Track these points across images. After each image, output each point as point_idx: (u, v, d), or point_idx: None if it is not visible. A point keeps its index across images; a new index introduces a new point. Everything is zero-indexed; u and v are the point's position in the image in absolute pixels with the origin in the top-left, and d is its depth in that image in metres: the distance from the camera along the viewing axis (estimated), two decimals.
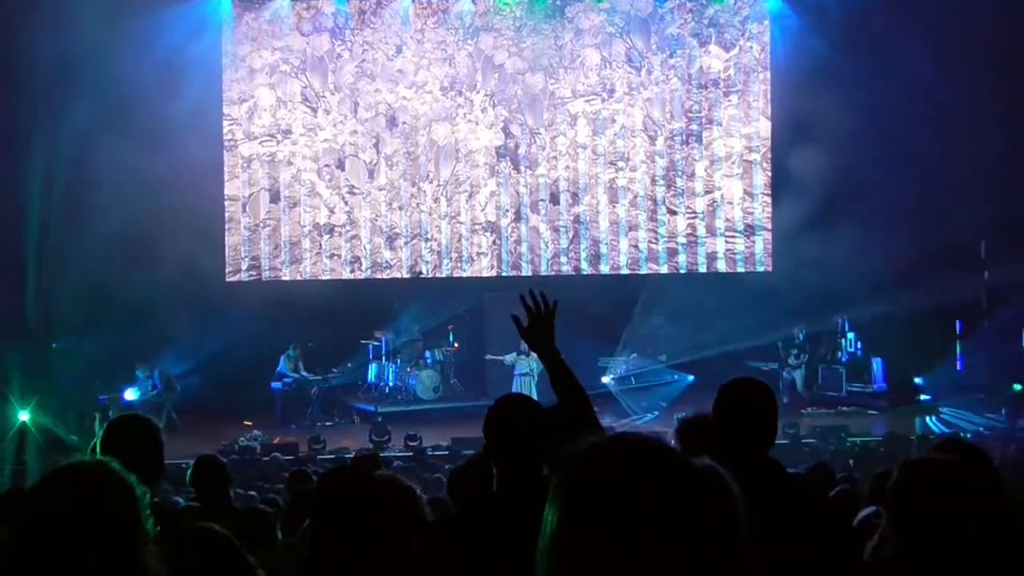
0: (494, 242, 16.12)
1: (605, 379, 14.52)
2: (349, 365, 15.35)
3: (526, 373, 13.97)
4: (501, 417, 2.53)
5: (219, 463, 4.40)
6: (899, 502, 2.09)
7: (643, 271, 16.06)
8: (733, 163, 16.04)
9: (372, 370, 15.54)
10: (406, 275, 15.88)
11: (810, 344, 14.47)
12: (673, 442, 3.21)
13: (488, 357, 14.58)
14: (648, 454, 1.12)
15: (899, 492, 2.12)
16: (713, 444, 2.73)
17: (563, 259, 16.09)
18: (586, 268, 16.07)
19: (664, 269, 16.11)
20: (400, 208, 15.90)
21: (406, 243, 15.92)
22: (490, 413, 2.55)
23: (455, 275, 15.93)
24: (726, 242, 16.15)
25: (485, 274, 15.97)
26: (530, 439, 2.36)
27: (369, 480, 2.04)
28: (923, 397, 13.86)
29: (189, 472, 4.38)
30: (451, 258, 16.02)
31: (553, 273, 15.98)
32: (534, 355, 13.56)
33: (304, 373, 14.55)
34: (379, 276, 15.83)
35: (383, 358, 15.35)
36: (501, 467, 2.47)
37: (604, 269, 16.10)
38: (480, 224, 16.05)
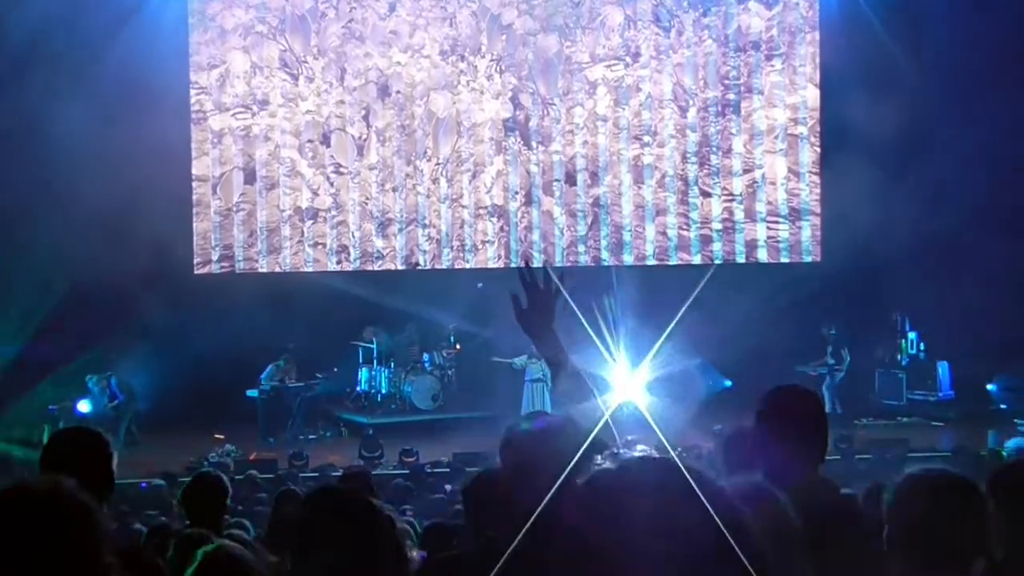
0: (501, 229, 16.28)
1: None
2: (336, 370, 15.45)
3: (538, 379, 14.03)
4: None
5: (219, 483, 4.40)
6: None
7: (672, 261, 16.23)
8: (776, 137, 16.18)
9: (362, 376, 15.65)
10: (400, 266, 16.00)
11: (842, 343, 14.48)
12: (714, 457, 3.37)
13: (495, 359, 14.60)
14: (676, 478, 1.19)
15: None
16: (757, 461, 2.76)
17: (580, 248, 16.29)
18: (607, 258, 16.23)
19: (697, 259, 16.24)
20: (394, 190, 16.02)
21: (400, 230, 16.09)
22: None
23: (457, 266, 16.05)
24: (768, 228, 16.27)
25: (491, 265, 16.09)
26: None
27: (368, 506, 2.11)
28: (997, 406, 13.85)
29: (182, 492, 4.43)
30: (452, 247, 16.19)
31: (569, 264, 16.12)
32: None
33: (288, 383, 14.64)
34: (369, 267, 15.93)
35: (375, 362, 15.44)
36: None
37: (628, 259, 16.28)
38: (485, 208, 16.23)
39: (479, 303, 15.40)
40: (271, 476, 10.91)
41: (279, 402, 14.54)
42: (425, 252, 16.20)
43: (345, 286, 14.96)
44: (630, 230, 16.34)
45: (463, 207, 16.22)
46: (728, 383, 15.17)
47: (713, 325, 15.29)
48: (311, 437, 14.38)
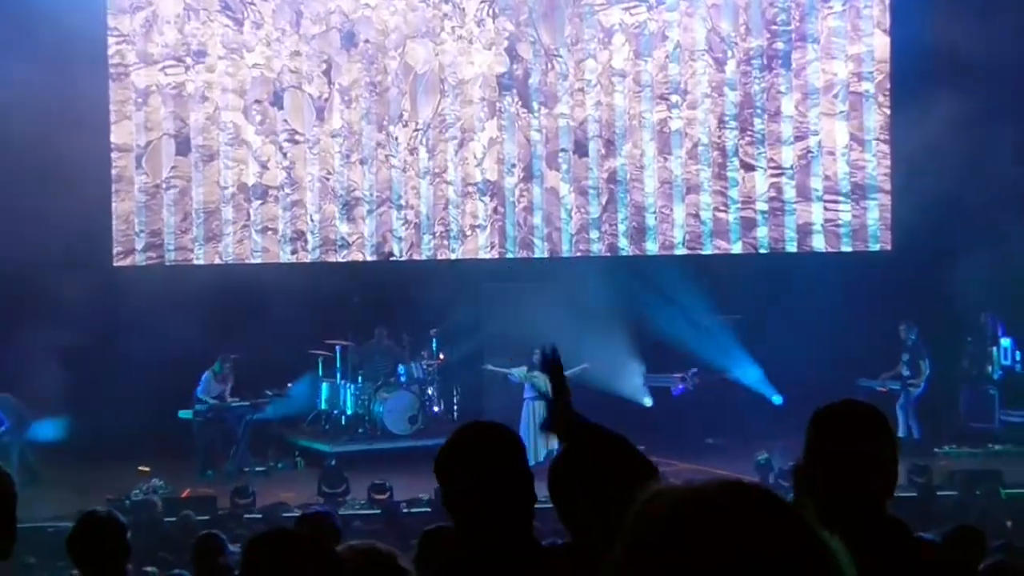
0: (495, 210, 16.39)
1: (647, 402, 15.39)
2: (290, 386, 15.55)
3: (540, 397, 13.87)
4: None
5: (116, 523, 4.37)
6: None
7: (707, 251, 16.38)
8: (836, 96, 16.25)
9: (323, 393, 15.78)
10: (370, 257, 16.14)
11: (921, 351, 14.56)
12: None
13: (488, 368, 14.72)
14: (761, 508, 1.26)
15: None
16: (813, 495, 2.84)
17: (593, 234, 16.41)
18: (625, 247, 16.43)
19: (737, 248, 16.43)
20: (361, 163, 16.13)
21: (370, 212, 16.20)
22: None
23: (440, 257, 16.21)
24: (826, 209, 16.38)
25: (483, 255, 16.26)
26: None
27: (329, 559, 2.12)
28: None
29: (66, 538, 4.34)
30: (434, 233, 16.31)
31: (579, 254, 16.36)
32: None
33: (230, 398, 14.66)
34: (332, 258, 16.08)
35: (338, 375, 15.53)
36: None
37: (651, 248, 16.46)
38: (475, 185, 16.33)
39: (468, 302, 15.65)
40: (209, 517, 10.93)
41: (220, 425, 14.58)
42: (401, 239, 16.27)
43: (302, 281, 15.12)
44: (654, 212, 16.43)
45: (447, 184, 16.31)
46: (777, 399, 15.31)
47: (759, 329, 15.58)
48: (259, 469, 14.40)
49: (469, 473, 2.81)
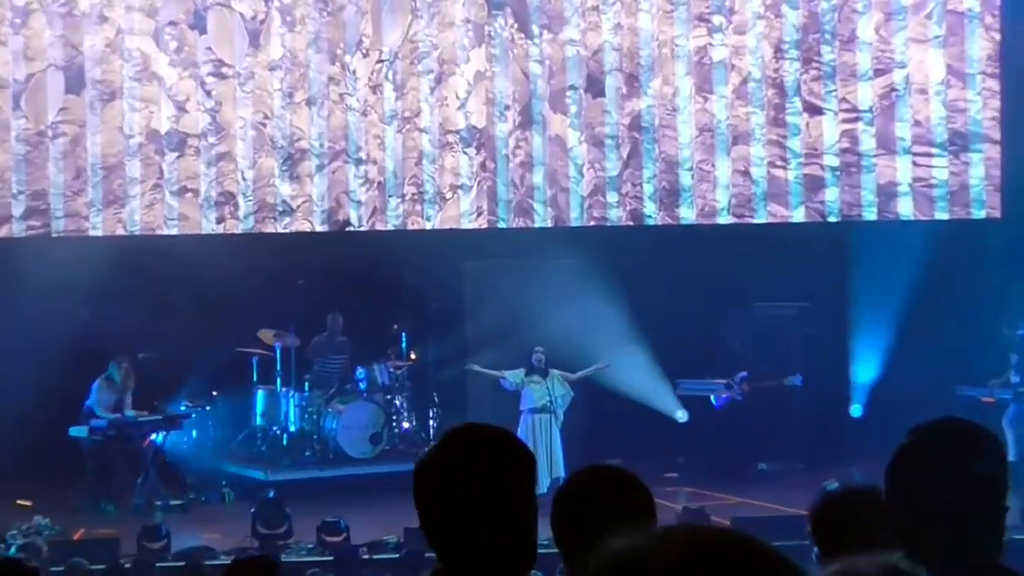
0: (483, 166, 16.39)
1: (680, 416, 15.67)
2: (214, 394, 15.75)
3: (542, 408, 14.37)
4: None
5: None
6: None
7: (759, 219, 16.43)
8: (929, 17, 16.24)
9: (258, 404, 16.04)
10: (320, 227, 16.21)
11: None
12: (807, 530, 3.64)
13: (474, 370, 14.91)
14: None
15: None
16: (885, 540, 2.90)
17: (611, 197, 16.39)
18: (653, 214, 16.45)
19: (799, 215, 16.48)
20: (309, 104, 16.13)
21: (320, 169, 16.21)
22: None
23: (411, 226, 16.26)
24: (915, 165, 16.35)
25: (467, 225, 16.30)
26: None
27: None
28: None
29: None
30: (403, 197, 16.33)
31: (592, 223, 16.44)
32: (556, 376, 13.87)
33: (129, 412, 14.71)
34: (270, 229, 16.19)
35: (279, 382, 15.78)
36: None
37: (687, 216, 16.51)
38: (457, 133, 16.34)
39: (447, 285, 16.06)
40: (108, 566, 10.95)
41: (122, 445, 14.61)
42: (360, 204, 16.27)
43: (230, 259, 15.19)
44: (690, 169, 16.43)
45: (421, 131, 16.28)
46: (855, 411, 15.51)
47: (827, 320, 15.90)
48: (175, 503, 14.39)
49: (474, 497, 2.84)
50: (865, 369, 15.76)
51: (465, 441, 2.96)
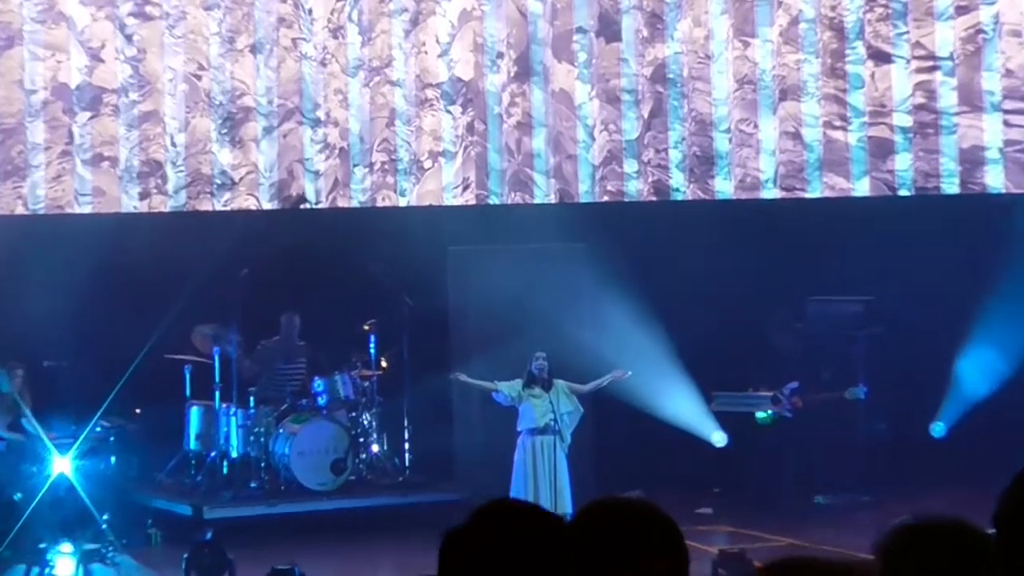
0: (471, 128, 16.42)
1: (716, 438, 15.82)
2: (138, 412, 15.79)
3: (545, 427, 14.35)
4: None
5: None
6: None
7: (813, 192, 16.47)
8: None
9: (192, 423, 16.05)
10: (269, 204, 16.27)
11: None
12: None
13: (460, 380, 14.95)
14: None
15: None
16: None
17: (629, 165, 16.44)
18: (681, 187, 16.52)
19: (863, 187, 16.45)
20: (253, 51, 16.15)
21: (268, 131, 16.21)
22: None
23: (381, 203, 16.34)
24: (1007, 126, 16.33)
25: (451, 200, 16.37)
26: None
27: None
28: None
29: None
30: (372, 166, 16.39)
31: (607, 199, 16.51)
32: (562, 388, 14.22)
33: (32, 425, 14.67)
34: (206, 207, 16.23)
35: (218, 396, 15.79)
36: None
37: (723, 189, 16.59)
38: (438, 87, 16.38)
39: (427, 275, 16.00)
40: None
41: (16, 475, 14.59)
42: (318, 176, 16.28)
43: (158, 243, 15.34)
44: (727, 130, 16.44)
45: (393, 85, 16.31)
46: (938, 430, 15.38)
47: (899, 318, 15.88)
48: (88, 548, 14.14)
49: None
50: (949, 378, 15.80)
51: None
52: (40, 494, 14.50)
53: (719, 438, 15.80)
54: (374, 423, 16.12)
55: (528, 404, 14.25)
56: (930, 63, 16.43)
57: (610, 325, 15.54)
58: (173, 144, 16.04)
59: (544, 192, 16.43)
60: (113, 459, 15.39)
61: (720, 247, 15.82)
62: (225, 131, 16.12)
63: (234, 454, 15.71)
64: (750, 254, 15.86)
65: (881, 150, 16.44)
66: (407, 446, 16.29)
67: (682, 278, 15.67)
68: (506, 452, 14.33)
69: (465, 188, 16.40)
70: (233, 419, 15.71)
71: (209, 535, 13.42)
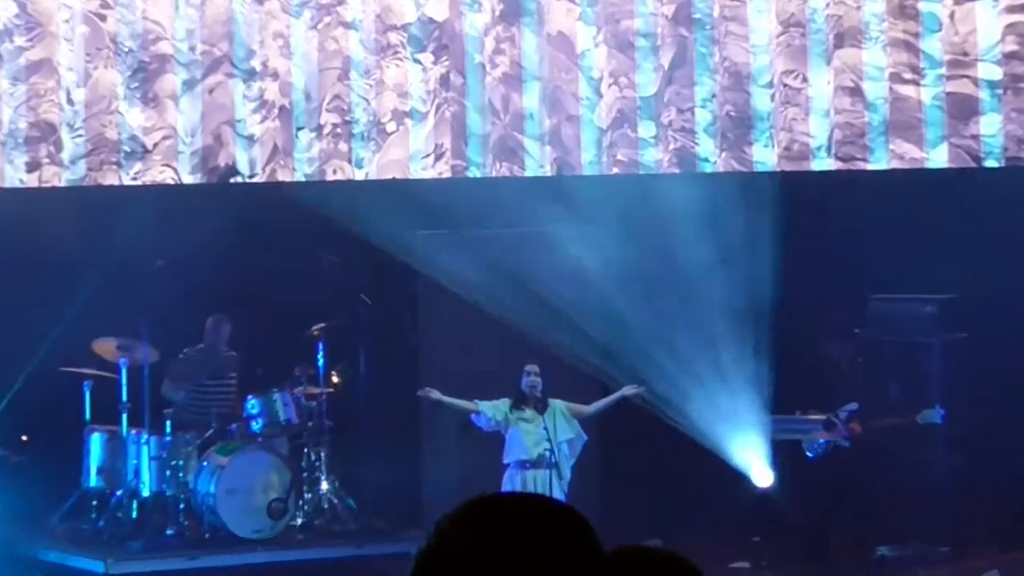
0: (444, 81, 16.35)
1: (758, 475, 15.77)
2: (24, 440, 15.94)
3: (537, 459, 14.47)
4: None
5: None
6: None
7: (878, 163, 16.34)
8: None
9: (93, 454, 16.00)
10: (190, 177, 16.22)
11: None
12: None
13: (432, 398, 15.11)
14: None
15: None
16: None
17: (644, 129, 16.32)
18: (711, 156, 16.42)
19: (939, 156, 16.31)
20: None
21: (190, 87, 16.18)
22: None
23: (333, 177, 16.34)
24: None
25: (419, 174, 16.33)
26: None
27: None
28: None
29: None
30: (321, 128, 16.37)
31: (616, 171, 16.47)
32: (559, 409, 14.58)
33: None
34: (111, 181, 16.17)
35: (124, 420, 15.80)
36: None
37: (763, 159, 16.55)
38: (404, 29, 16.31)
39: (390, 267, 16.41)
40: None
41: None
42: (252, 141, 16.20)
43: (52, 227, 15.56)
44: (769, 84, 16.39)
45: (347, 28, 16.22)
46: None
47: (984, 323, 16.08)
48: None
49: None
50: None
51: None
52: None
53: (762, 475, 15.59)
54: (323, 454, 15.99)
55: (517, 430, 14.36)
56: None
57: (620, 330, 15.54)
58: (70, 102, 15.95)
59: (538, 163, 16.27)
60: None
61: (758, 233, 15.88)
62: (136, 85, 15.97)
63: (145, 493, 15.63)
64: (797, 242, 16.01)
65: (962, 110, 16.34)
66: (364, 483, 16.25)
67: (711, 271, 15.70)
68: (489, 489, 13.98)
69: (438, 158, 16.22)
70: (144, 448, 15.64)
71: None
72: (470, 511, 3.27)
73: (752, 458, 15.74)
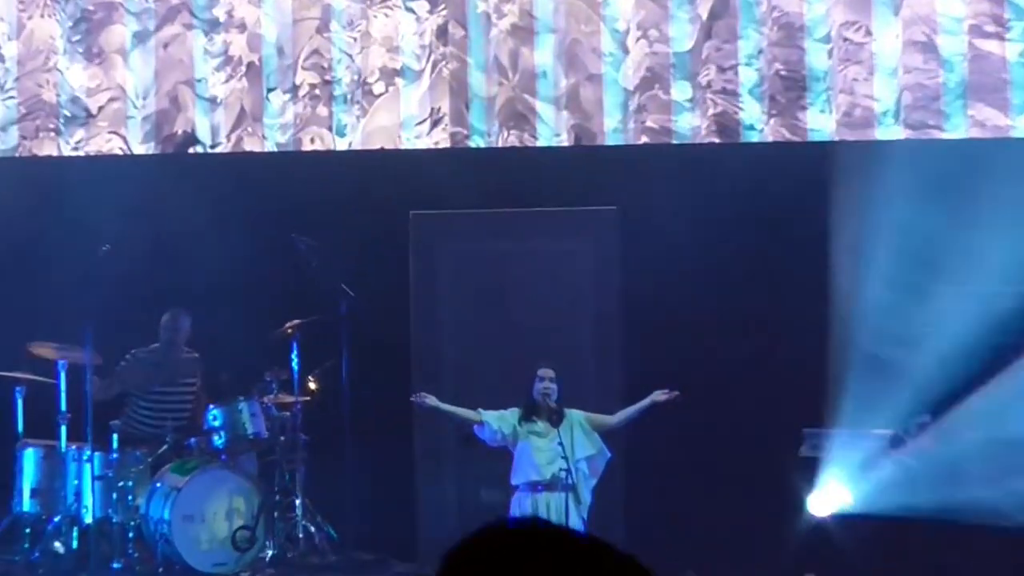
0: (442, 34, 16.46)
1: (815, 503, 15.67)
2: None
3: (552, 480, 14.22)
4: None
5: None
6: None
7: (955, 131, 16.36)
8: None
9: (26, 472, 15.98)
10: (143, 148, 16.32)
11: None
12: None
13: (427, 405, 14.72)
14: None
15: None
16: None
17: (679, 91, 16.40)
18: (757, 123, 16.45)
19: None
20: None
21: (141, 40, 16.30)
22: None
23: (309, 147, 16.46)
24: None
25: (412, 143, 16.46)
26: None
27: None
28: None
29: None
30: (296, 91, 16.52)
31: (645, 140, 16.44)
32: (578, 420, 14.32)
33: None
34: (48, 152, 16.34)
35: (63, 433, 15.71)
36: None
37: (820, 127, 16.52)
38: None
39: (377, 254, 16.52)
40: None
41: None
42: (215, 104, 16.33)
43: None
44: (825, 38, 16.38)
45: None
46: None
47: None
48: None
49: None
50: None
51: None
52: None
53: (820, 503, 15.26)
54: (298, 473, 15.98)
55: (527, 445, 14.08)
56: None
57: (649, 325, 15.58)
58: (0, 58, 16.15)
59: (552, 131, 16.31)
60: None
61: (812, 213, 15.86)
62: (78, 38, 16.13)
63: (88, 519, 15.50)
64: (857, 222, 15.86)
65: None
66: (347, 508, 16.18)
67: (756, 258, 15.89)
68: (494, 517, 13.65)
69: (435, 124, 16.34)
70: (87, 467, 15.53)
71: None
72: (478, 547, 3.29)
73: (801, 477, 15.50)
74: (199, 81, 16.25)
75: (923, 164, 16.31)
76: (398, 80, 16.31)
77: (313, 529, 15.83)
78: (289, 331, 15.97)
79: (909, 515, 15.26)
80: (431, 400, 14.36)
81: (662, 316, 15.75)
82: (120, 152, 16.14)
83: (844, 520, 15.53)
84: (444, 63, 16.31)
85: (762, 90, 16.43)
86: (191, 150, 16.18)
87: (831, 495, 15.60)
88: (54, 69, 16.05)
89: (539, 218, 16.32)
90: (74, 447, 15.56)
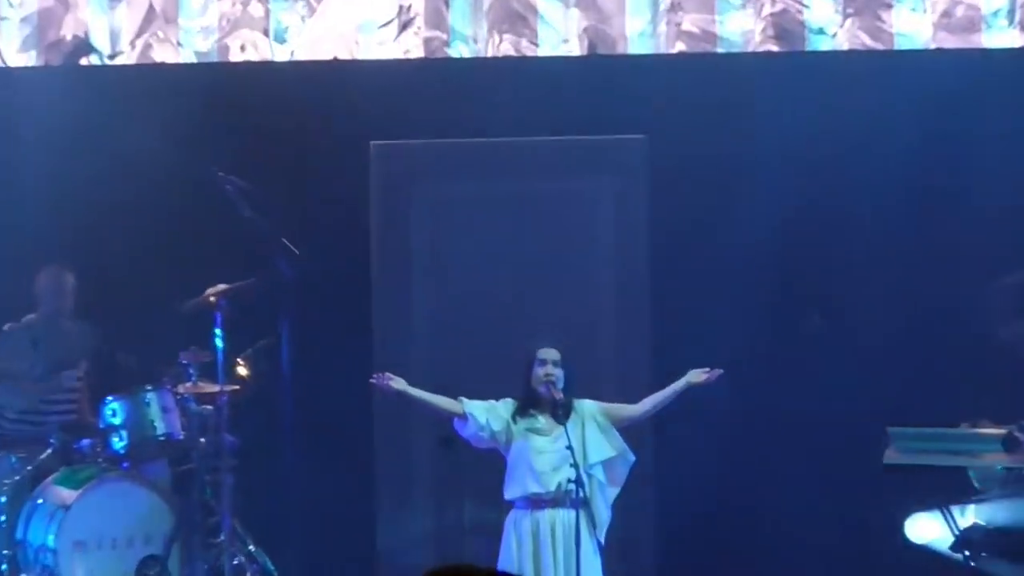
0: None
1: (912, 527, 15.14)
2: None
3: (557, 495, 13.70)
4: None
5: None
6: None
7: None
8: None
9: None
10: (23, 59, 16.79)
11: None
12: None
13: (391, 388, 14.23)
14: None
15: None
16: None
17: None
18: (829, 28, 16.65)
19: None
20: None
21: None
22: None
23: (239, 57, 16.82)
24: None
25: (374, 53, 16.75)
26: None
27: None
28: None
29: None
30: None
31: (677, 51, 16.64)
32: (593, 414, 14.08)
33: None
34: None
35: None
36: None
37: (908, 31, 16.72)
38: None
39: (325, 195, 16.57)
40: None
41: None
42: (115, 2, 16.63)
43: None
44: None
45: None
46: None
47: None
48: None
49: None
50: None
51: None
52: None
53: (916, 526, 14.60)
54: (223, 486, 15.48)
55: (525, 446, 13.50)
56: None
57: (684, 290, 15.46)
58: None
59: (560, 35, 16.26)
60: None
61: (900, 140, 15.68)
62: None
63: None
64: (952, 167, 15.91)
65: None
66: (288, 533, 16.05)
67: (816, 199, 15.73)
68: (483, 540, 14.54)
69: (404, 27, 16.38)
70: None
71: None
72: None
73: (891, 491, 14.87)
74: None
75: None
76: None
77: (243, 560, 15.50)
78: (212, 299, 15.42)
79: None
80: (398, 383, 13.73)
81: (700, 278, 15.63)
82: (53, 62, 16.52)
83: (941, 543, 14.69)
84: None
85: None
86: (83, 61, 16.30)
87: (936, 517, 14.71)
88: None
89: (541, 150, 15.98)
90: None
